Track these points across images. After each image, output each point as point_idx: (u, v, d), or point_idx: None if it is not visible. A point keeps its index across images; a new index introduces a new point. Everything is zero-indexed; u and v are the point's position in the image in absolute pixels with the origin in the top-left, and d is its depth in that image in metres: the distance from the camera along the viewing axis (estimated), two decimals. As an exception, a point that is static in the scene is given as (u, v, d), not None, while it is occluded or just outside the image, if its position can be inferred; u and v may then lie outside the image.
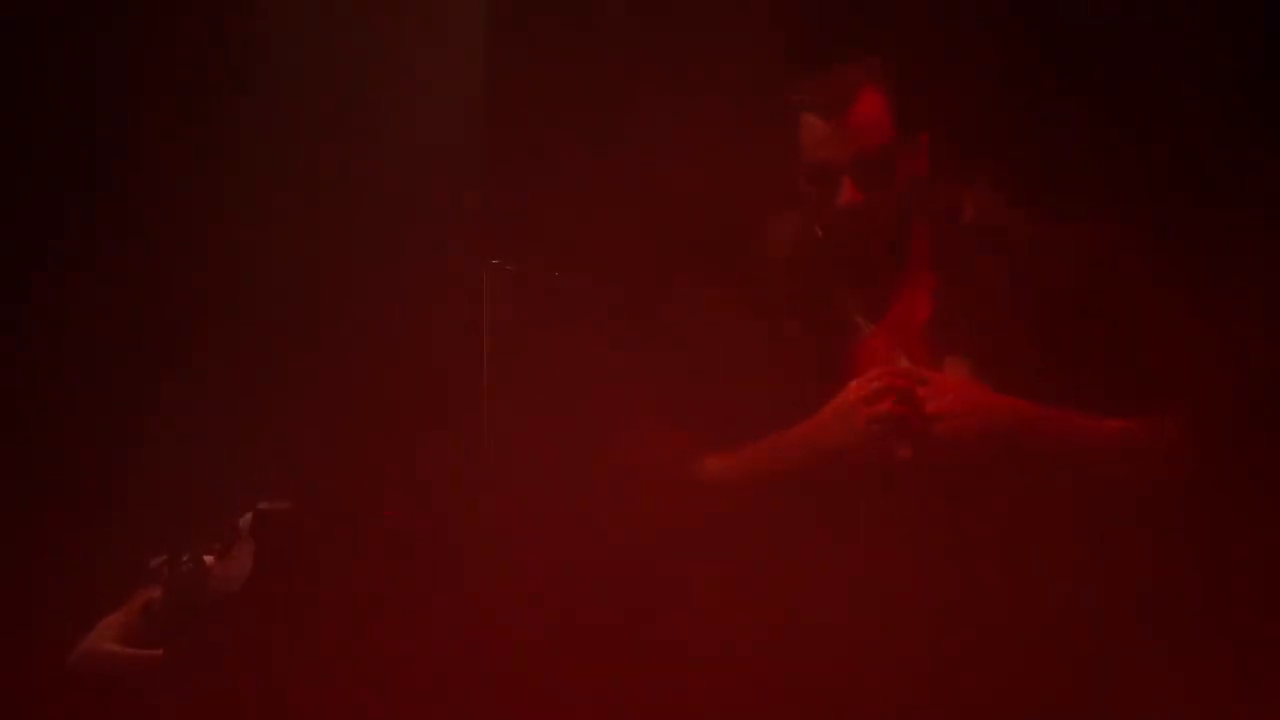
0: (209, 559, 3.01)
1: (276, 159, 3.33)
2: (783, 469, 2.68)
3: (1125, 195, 3.12)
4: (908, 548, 2.64)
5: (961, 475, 2.63)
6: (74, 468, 3.21)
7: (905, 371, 2.63)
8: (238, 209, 3.33)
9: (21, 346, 3.24)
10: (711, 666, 2.67)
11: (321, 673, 2.81)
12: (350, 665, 2.83)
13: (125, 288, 3.33)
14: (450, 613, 2.87)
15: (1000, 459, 2.61)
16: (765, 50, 3.21)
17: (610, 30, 3.35)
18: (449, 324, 3.20)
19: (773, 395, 2.73)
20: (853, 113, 2.57)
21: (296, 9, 3.35)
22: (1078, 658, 2.61)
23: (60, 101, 3.34)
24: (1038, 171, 3.08)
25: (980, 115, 3.08)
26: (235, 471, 3.05)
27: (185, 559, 3.02)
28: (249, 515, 3.01)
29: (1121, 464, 2.63)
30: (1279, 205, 3.04)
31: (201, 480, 3.03)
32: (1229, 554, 2.76)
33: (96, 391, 3.28)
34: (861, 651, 2.61)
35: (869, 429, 2.60)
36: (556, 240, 3.17)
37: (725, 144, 3.19)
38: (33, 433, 3.21)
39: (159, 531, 3.01)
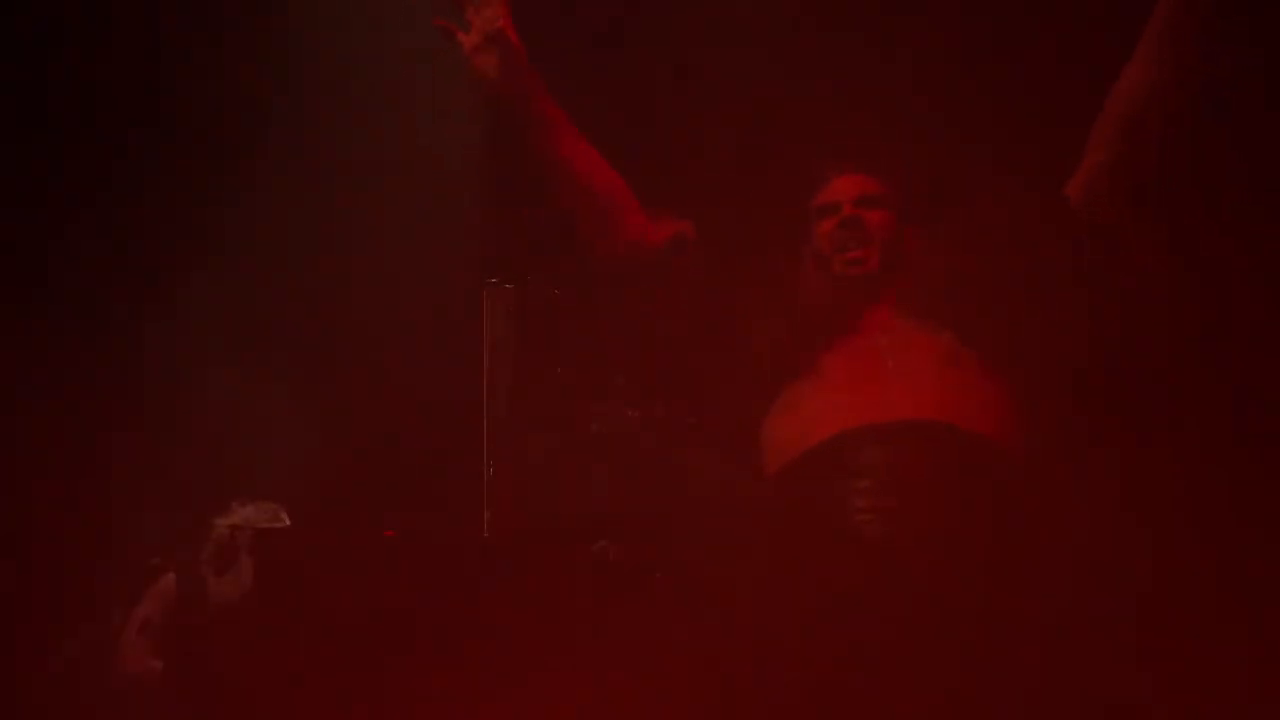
0: (208, 575, 3.02)
1: (280, 179, 3.37)
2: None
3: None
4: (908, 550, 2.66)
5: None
6: (78, 471, 3.24)
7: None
8: (241, 226, 3.36)
9: (24, 348, 3.28)
10: (717, 672, 2.68)
11: (319, 687, 2.82)
12: (348, 679, 2.84)
13: (127, 300, 3.37)
14: (450, 624, 2.89)
15: None
16: (769, 70, 3.29)
17: (617, 48, 3.41)
18: (449, 342, 3.23)
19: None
20: (856, 174, 2.93)
21: (292, 31, 3.40)
22: (1076, 656, 2.62)
23: (62, 103, 3.40)
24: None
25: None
26: (236, 486, 3.07)
27: (184, 573, 3.02)
28: (249, 532, 3.02)
29: None
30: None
31: (203, 495, 3.05)
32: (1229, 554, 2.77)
33: (101, 399, 3.31)
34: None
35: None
36: (556, 257, 3.20)
37: (727, 158, 3.25)
38: (33, 433, 3.24)
39: (160, 545, 3.03)
